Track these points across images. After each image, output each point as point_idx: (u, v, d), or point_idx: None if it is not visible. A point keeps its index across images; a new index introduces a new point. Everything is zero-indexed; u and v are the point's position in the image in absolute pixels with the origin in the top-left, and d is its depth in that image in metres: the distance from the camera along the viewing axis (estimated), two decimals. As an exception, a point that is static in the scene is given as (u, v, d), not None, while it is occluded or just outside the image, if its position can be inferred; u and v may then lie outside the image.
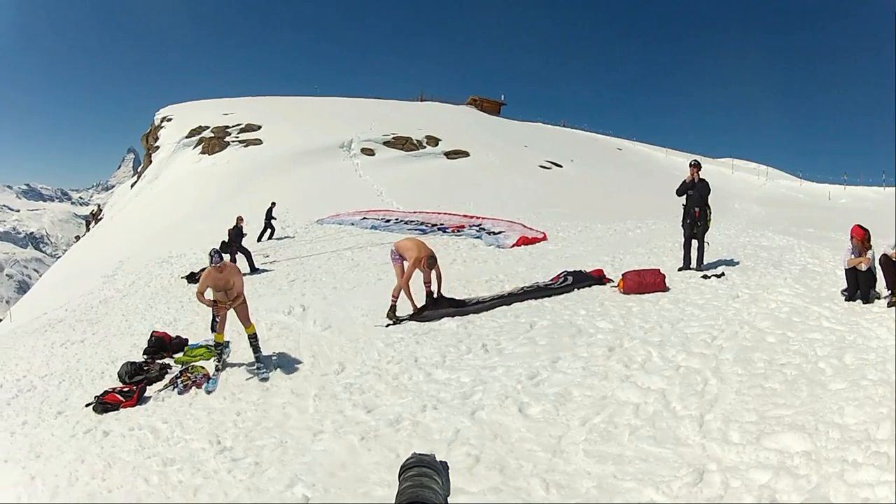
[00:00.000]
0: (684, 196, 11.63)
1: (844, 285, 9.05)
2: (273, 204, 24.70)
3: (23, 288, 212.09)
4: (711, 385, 6.05)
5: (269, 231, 23.96)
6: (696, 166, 11.46)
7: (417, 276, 10.06)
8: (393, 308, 9.91)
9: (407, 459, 1.95)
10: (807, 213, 30.48)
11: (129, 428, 6.91)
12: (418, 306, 9.93)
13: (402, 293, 9.88)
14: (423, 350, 8.15)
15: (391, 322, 9.71)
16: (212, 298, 8.46)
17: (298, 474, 5.25)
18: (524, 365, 7.10)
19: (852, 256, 8.82)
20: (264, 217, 24.23)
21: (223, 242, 17.22)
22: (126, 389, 7.98)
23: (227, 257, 10.60)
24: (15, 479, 6.06)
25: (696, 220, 11.43)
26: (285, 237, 23.86)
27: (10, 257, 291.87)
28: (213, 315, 9.16)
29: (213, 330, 9.20)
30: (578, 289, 10.72)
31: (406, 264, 9.93)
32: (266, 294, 13.66)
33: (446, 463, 2.00)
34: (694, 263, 11.62)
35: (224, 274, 8.33)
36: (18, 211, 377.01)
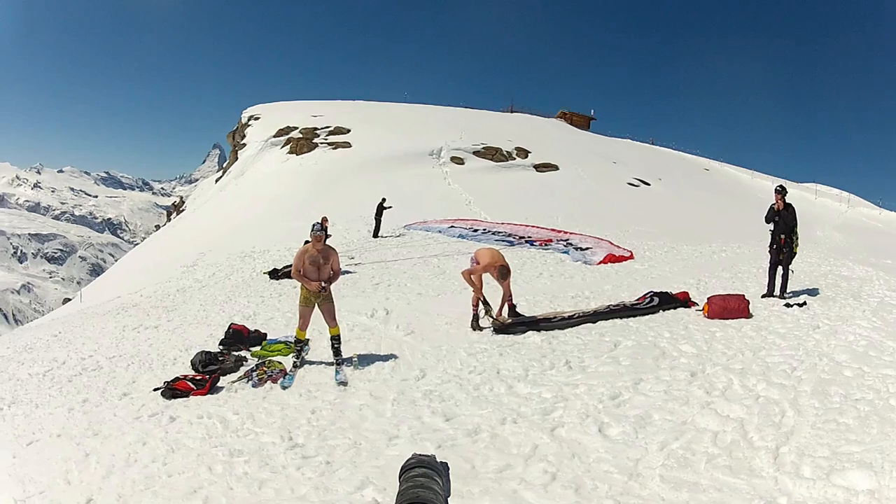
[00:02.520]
0: (772, 223, 11.63)
1: None
2: (384, 200, 25.09)
3: (96, 271, 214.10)
4: (789, 417, 6.03)
5: (376, 228, 24.42)
6: (780, 193, 11.43)
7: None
8: (476, 318, 10.12)
9: (408, 460, 2.19)
10: (886, 243, 29.35)
11: (198, 416, 6.92)
12: (492, 308, 10.07)
13: (479, 300, 10.09)
14: (505, 362, 8.20)
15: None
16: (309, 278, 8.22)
17: (370, 477, 5.12)
18: (606, 384, 7.14)
19: None
20: (375, 214, 24.71)
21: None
22: (198, 378, 7.97)
23: None
24: (67, 455, 6.06)
25: (782, 247, 11.42)
26: (389, 236, 24.36)
27: (85, 240, 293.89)
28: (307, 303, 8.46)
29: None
30: (664, 310, 10.81)
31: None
32: (349, 295, 13.73)
33: (447, 464, 2.23)
34: (777, 290, 11.60)
35: (324, 247, 8.25)
36: (96, 197, 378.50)
